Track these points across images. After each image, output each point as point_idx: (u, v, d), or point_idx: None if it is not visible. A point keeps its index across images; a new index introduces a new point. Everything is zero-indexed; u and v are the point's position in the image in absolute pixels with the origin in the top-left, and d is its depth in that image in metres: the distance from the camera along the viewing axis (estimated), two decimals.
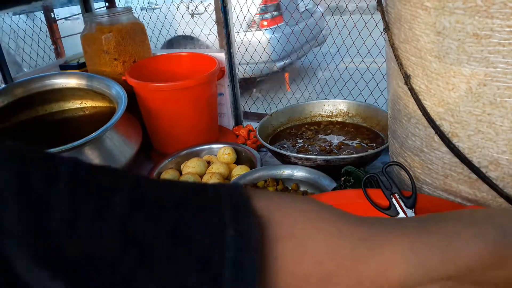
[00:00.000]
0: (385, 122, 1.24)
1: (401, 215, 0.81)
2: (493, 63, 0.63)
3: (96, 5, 1.73)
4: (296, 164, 1.11)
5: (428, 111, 0.76)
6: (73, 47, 1.66)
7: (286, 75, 2.32)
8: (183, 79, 1.30)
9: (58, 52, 1.69)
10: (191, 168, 1.20)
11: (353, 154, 1.11)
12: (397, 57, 0.79)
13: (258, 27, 2.56)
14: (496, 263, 0.35)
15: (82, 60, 1.51)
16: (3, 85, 1.32)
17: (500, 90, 0.64)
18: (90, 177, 0.30)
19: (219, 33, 1.53)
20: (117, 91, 1.25)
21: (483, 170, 0.72)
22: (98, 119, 1.39)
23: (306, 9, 2.59)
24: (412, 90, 0.78)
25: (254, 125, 1.52)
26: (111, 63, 1.40)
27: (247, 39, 1.87)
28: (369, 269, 0.33)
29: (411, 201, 0.81)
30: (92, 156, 1.13)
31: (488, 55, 0.63)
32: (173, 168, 1.25)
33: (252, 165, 1.20)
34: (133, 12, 1.45)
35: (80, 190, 0.29)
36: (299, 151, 1.21)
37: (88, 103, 1.44)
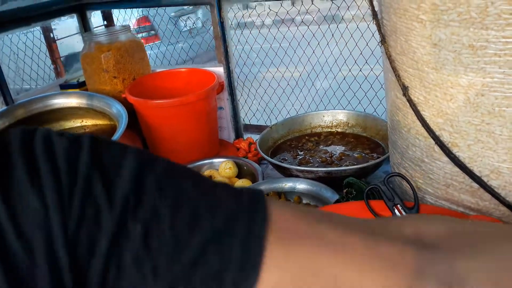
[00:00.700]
0: (385, 131, 1.24)
1: None
2: (490, 74, 0.63)
3: (94, 23, 1.75)
4: (297, 176, 1.11)
5: (427, 121, 0.76)
6: (74, 63, 1.68)
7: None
8: (183, 95, 1.30)
9: (58, 71, 1.70)
10: None
11: (354, 165, 1.11)
12: (394, 69, 0.80)
13: None
14: None
15: (82, 79, 1.52)
16: (4, 107, 1.33)
17: (498, 99, 0.64)
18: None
19: (217, 47, 1.54)
20: (118, 110, 1.26)
21: (485, 179, 0.72)
22: None
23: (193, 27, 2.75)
24: (410, 101, 0.78)
25: (255, 137, 1.53)
26: (111, 81, 1.41)
27: None
28: None
29: (413, 211, 0.81)
30: None
31: (484, 66, 0.63)
32: None
33: (254, 178, 1.20)
34: (131, 30, 1.47)
35: None
36: (300, 163, 1.21)
37: (89, 122, 1.45)
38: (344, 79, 1.59)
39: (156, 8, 2.08)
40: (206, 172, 1.29)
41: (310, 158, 1.23)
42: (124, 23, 2.07)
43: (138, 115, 1.35)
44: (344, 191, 0.98)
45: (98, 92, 1.41)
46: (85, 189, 0.31)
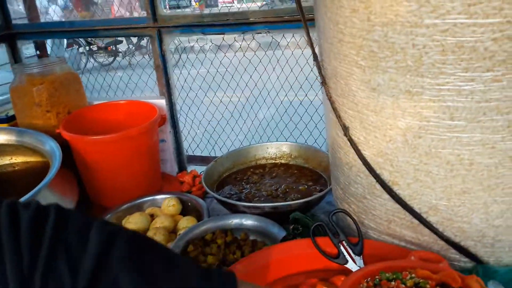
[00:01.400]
0: (326, 162, 1.27)
1: (350, 262, 0.82)
2: (426, 118, 0.67)
3: (26, 52, 1.65)
4: (244, 212, 1.10)
5: (368, 161, 0.79)
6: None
7: None
8: (123, 129, 1.25)
9: None
10: (133, 225, 1.14)
11: (299, 198, 1.12)
12: (335, 110, 0.82)
13: None
14: None
15: (11, 113, 1.42)
16: None
17: (434, 142, 0.68)
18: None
19: (158, 79, 1.51)
20: (51, 147, 1.18)
21: (424, 216, 0.75)
22: (30, 175, 1.30)
23: None
24: (351, 141, 0.80)
25: (199, 169, 1.50)
26: (44, 115, 1.32)
27: None
28: None
29: (358, 248, 0.83)
30: None
31: (421, 110, 0.66)
32: None
33: (198, 214, 1.17)
34: (66, 62, 1.40)
35: None
36: (246, 198, 1.20)
37: (19, 159, 1.35)
38: (286, 111, 1.62)
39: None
40: (148, 210, 1.23)
41: (256, 192, 1.22)
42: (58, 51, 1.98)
43: (73, 152, 1.28)
44: (291, 227, 0.98)
45: (29, 127, 1.32)
46: (49, 264, 0.31)
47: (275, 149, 1.41)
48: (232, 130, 1.70)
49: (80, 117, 1.38)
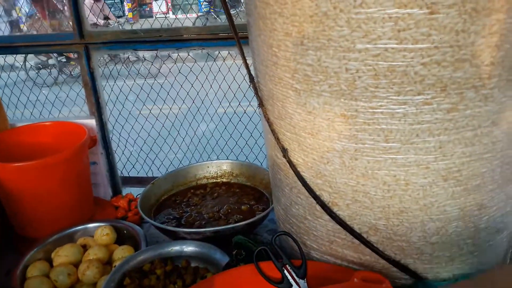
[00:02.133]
0: (267, 180, 1.26)
1: (294, 286, 0.80)
2: (362, 140, 0.67)
3: None
4: (184, 238, 1.05)
5: (308, 182, 0.78)
6: None
7: None
8: (49, 153, 1.16)
9: None
10: (63, 258, 1.06)
11: (242, 220, 1.09)
12: (273, 131, 0.80)
13: None
14: None
15: None
16: None
17: (370, 163, 0.68)
18: None
19: (87, 97, 1.42)
20: None
21: (364, 235, 0.76)
22: None
23: None
24: (290, 163, 0.79)
25: (136, 191, 1.43)
26: None
27: None
28: None
29: (302, 271, 0.81)
30: None
31: (356, 133, 0.66)
32: (42, 259, 1.09)
33: (135, 243, 1.11)
34: None
35: None
36: (186, 222, 1.15)
37: None
38: (225, 127, 1.59)
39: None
40: (80, 241, 1.14)
41: (197, 215, 1.18)
42: None
43: None
44: (234, 252, 0.95)
45: None
46: None
47: (216, 168, 1.37)
48: (170, 148, 1.65)
49: (0, 141, 1.26)
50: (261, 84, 0.80)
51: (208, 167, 1.37)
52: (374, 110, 0.64)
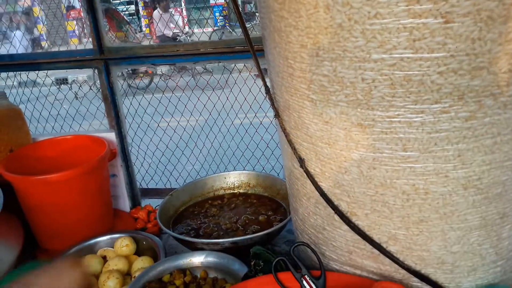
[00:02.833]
0: (284, 191, 1.26)
1: None
2: (379, 149, 0.67)
3: None
4: (203, 249, 1.06)
5: (326, 192, 0.78)
6: None
7: None
8: (70, 166, 1.18)
9: None
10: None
11: (260, 231, 1.09)
12: (290, 142, 0.81)
13: None
14: None
15: None
16: None
17: (389, 172, 0.68)
18: None
19: (107, 111, 1.45)
20: None
21: (384, 245, 0.75)
22: None
23: None
24: (308, 173, 0.79)
25: (154, 202, 1.44)
26: None
27: None
28: None
29: (321, 281, 0.81)
30: None
31: (373, 142, 0.66)
32: None
33: (154, 254, 1.12)
34: (7, 97, 1.32)
35: None
36: (205, 233, 1.16)
37: None
38: (242, 138, 1.60)
39: None
40: (100, 252, 1.16)
41: (215, 226, 1.18)
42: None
43: (17, 193, 1.19)
44: (252, 263, 0.95)
45: None
46: None
47: (233, 179, 1.38)
48: (188, 159, 1.67)
49: (23, 155, 1.29)
50: (277, 95, 0.81)
51: (225, 178, 1.38)
52: (392, 119, 0.64)
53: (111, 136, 1.37)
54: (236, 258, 1.00)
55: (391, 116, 0.63)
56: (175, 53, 1.37)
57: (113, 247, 1.17)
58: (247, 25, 1.01)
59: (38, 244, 1.27)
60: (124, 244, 1.14)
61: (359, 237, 0.77)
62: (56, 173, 1.15)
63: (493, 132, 0.63)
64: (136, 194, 1.50)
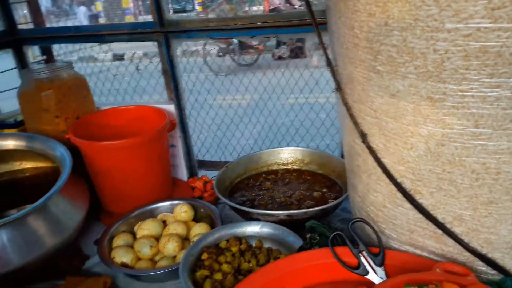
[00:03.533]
0: (340, 169, 1.24)
1: (371, 273, 0.79)
2: (449, 125, 0.64)
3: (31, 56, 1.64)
4: (258, 219, 1.08)
5: (388, 168, 0.76)
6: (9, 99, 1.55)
7: None
8: (132, 135, 1.24)
9: None
10: (146, 231, 1.13)
11: (315, 206, 1.09)
12: (351, 116, 0.79)
13: None
14: None
15: (19, 118, 1.41)
16: None
17: (458, 150, 0.65)
18: None
19: (166, 84, 1.49)
20: (61, 153, 1.17)
21: (448, 226, 0.72)
22: (41, 181, 1.29)
23: None
24: (370, 148, 0.77)
25: (210, 174, 1.48)
26: (52, 121, 1.31)
27: None
28: None
29: (379, 258, 0.80)
30: (37, 226, 1.03)
31: (443, 117, 0.64)
32: (126, 231, 1.17)
33: (211, 221, 1.15)
34: (73, 67, 1.39)
35: None
36: (259, 205, 1.18)
37: (28, 165, 1.34)
38: (296, 115, 1.59)
39: None
40: (160, 217, 1.22)
41: (270, 199, 1.20)
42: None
43: (84, 157, 1.27)
44: (307, 236, 0.95)
45: (38, 133, 1.31)
46: None
47: (287, 155, 1.38)
48: (242, 134, 1.68)
49: (89, 122, 1.37)
50: (340, 68, 0.79)
51: (279, 153, 1.39)
52: (464, 93, 0.60)
53: (171, 107, 1.41)
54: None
55: (463, 90, 0.60)
56: (233, 27, 1.36)
57: (172, 213, 1.22)
58: None
59: (102, 206, 1.35)
60: (183, 210, 1.18)
61: (421, 216, 0.75)
62: (120, 140, 1.21)
63: None
64: (193, 165, 1.54)
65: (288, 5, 6.99)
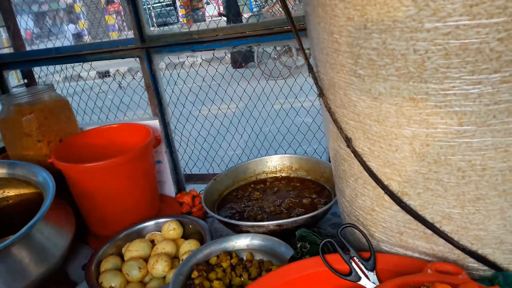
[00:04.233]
0: (328, 173, 1.24)
1: (363, 279, 0.78)
2: (433, 124, 0.64)
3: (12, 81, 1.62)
4: (248, 231, 1.06)
5: (375, 171, 0.75)
6: None
7: None
8: (116, 154, 1.22)
9: None
10: (134, 252, 1.10)
11: (304, 214, 1.08)
12: (335, 121, 0.79)
13: None
14: None
15: (0, 145, 1.38)
16: None
17: (443, 149, 0.65)
18: None
19: (150, 99, 1.48)
20: (44, 178, 1.14)
21: (437, 225, 0.72)
22: (25, 207, 1.26)
23: None
24: (355, 152, 0.77)
25: (198, 187, 1.46)
26: (35, 145, 1.29)
27: None
28: None
29: (371, 263, 0.79)
30: (21, 256, 1.00)
31: (427, 117, 0.63)
32: (114, 254, 1.14)
33: (201, 237, 1.14)
34: (55, 89, 1.37)
35: None
36: (249, 216, 1.16)
37: (11, 192, 1.30)
38: (282, 122, 1.59)
39: None
40: (148, 236, 1.19)
41: (259, 209, 1.18)
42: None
43: (68, 181, 1.24)
44: (298, 245, 0.94)
45: (20, 158, 1.28)
46: None
47: (275, 162, 1.37)
48: (229, 145, 1.67)
49: (72, 144, 1.34)
50: (321, 73, 0.79)
51: (267, 162, 1.38)
52: (446, 92, 0.60)
53: (155, 123, 1.40)
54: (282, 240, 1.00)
55: (445, 88, 0.60)
56: (215, 38, 1.36)
57: (160, 231, 1.20)
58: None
59: (88, 229, 1.32)
60: (171, 228, 1.16)
61: (410, 217, 0.74)
62: (104, 161, 1.18)
63: None
64: (181, 180, 1.52)
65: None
